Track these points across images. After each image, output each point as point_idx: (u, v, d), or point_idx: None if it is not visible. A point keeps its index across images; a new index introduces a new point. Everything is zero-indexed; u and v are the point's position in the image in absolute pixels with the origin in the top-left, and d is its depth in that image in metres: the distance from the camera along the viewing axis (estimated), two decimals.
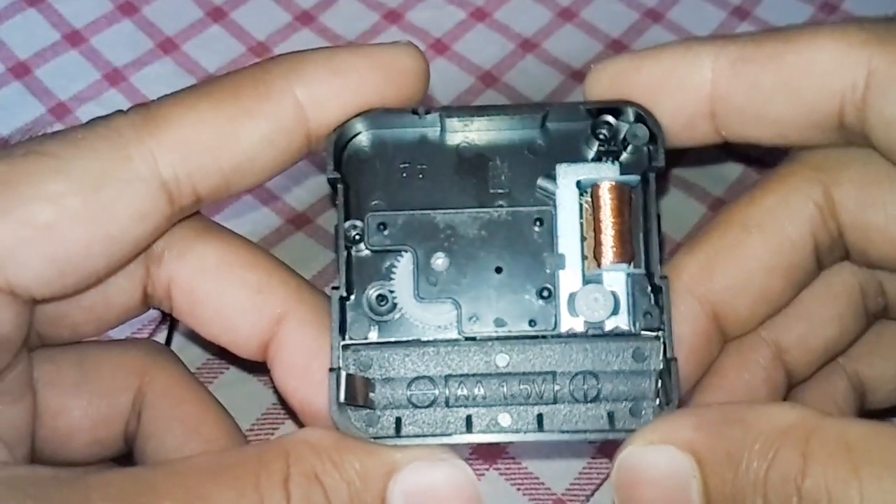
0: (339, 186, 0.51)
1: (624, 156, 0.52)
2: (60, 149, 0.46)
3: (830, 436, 0.41)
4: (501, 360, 0.51)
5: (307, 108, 0.49)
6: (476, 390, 0.50)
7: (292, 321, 0.53)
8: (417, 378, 0.51)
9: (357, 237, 0.51)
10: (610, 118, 0.51)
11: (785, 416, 0.43)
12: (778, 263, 0.53)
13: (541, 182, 0.52)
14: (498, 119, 0.52)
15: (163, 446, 0.55)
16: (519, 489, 0.65)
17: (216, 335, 0.54)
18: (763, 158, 0.77)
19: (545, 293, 0.51)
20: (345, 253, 0.51)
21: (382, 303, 0.51)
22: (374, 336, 0.51)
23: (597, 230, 0.51)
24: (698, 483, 0.43)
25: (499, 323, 0.51)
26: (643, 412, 0.50)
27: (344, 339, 0.50)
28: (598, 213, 0.51)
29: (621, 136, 0.51)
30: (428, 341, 0.51)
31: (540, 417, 0.50)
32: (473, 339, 0.51)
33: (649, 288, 0.51)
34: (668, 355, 0.49)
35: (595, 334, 0.51)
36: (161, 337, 0.69)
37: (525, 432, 0.50)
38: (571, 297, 0.51)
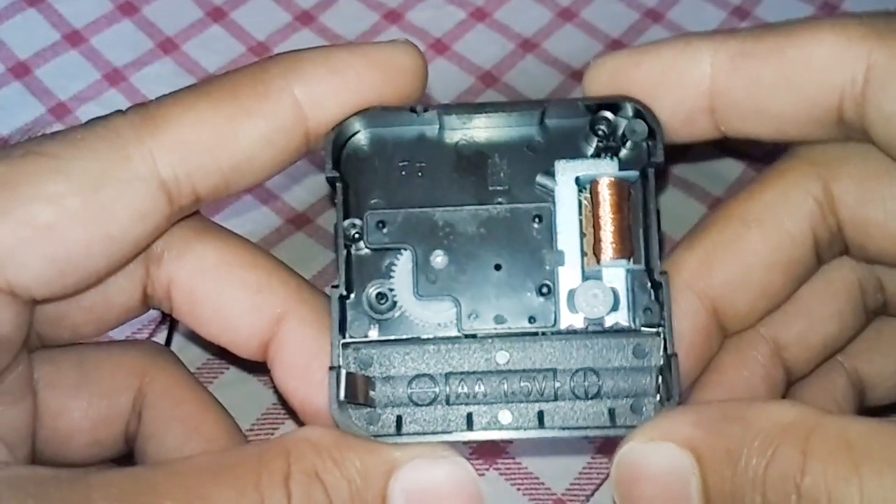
0: (338, 185, 0.51)
1: (623, 152, 0.52)
2: (60, 149, 0.46)
3: (830, 433, 0.41)
4: (501, 358, 0.51)
5: (306, 107, 0.49)
6: (476, 388, 0.50)
7: (292, 321, 0.53)
8: (418, 376, 0.51)
9: (356, 236, 0.51)
10: (608, 114, 0.51)
11: (785, 414, 0.43)
12: (777, 258, 0.53)
13: (540, 179, 0.52)
14: (496, 116, 0.52)
15: (163, 447, 0.55)
16: (519, 489, 0.65)
17: (216, 335, 0.54)
18: (763, 158, 0.77)
19: (544, 290, 0.51)
20: (344, 251, 0.51)
21: (382, 301, 0.51)
22: (374, 334, 0.51)
23: (596, 226, 0.51)
24: (697, 480, 0.43)
25: (498, 320, 0.51)
26: (644, 408, 0.50)
27: (344, 337, 0.50)
28: (597, 209, 0.51)
29: (620, 132, 0.51)
30: (428, 339, 0.51)
31: (541, 414, 0.50)
32: (473, 336, 0.51)
33: (649, 284, 0.51)
34: (669, 351, 0.49)
35: (595, 331, 0.51)
36: (161, 337, 0.69)
37: (526, 429, 0.50)
38: (571, 293, 0.51)
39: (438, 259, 0.51)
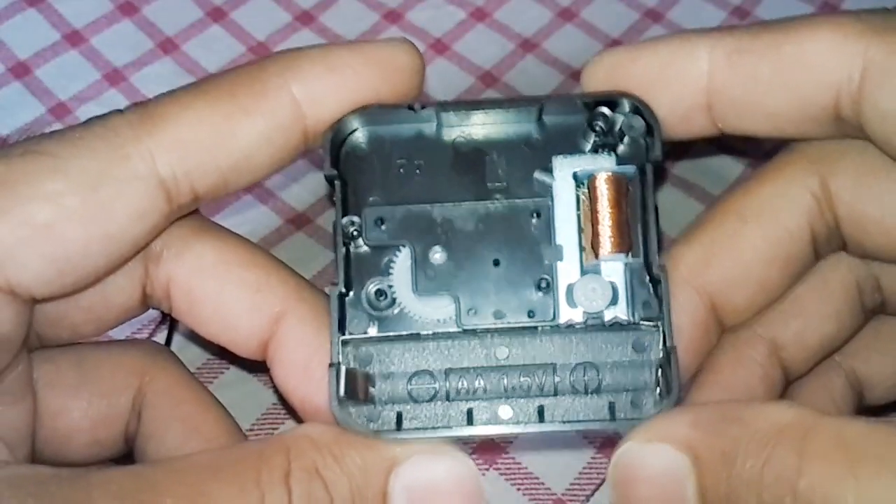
0: (337, 183, 0.51)
1: (621, 148, 0.52)
2: (58, 148, 0.47)
3: (826, 435, 0.41)
4: (501, 353, 0.51)
5: (303, 105, 0.49)
6: (476, 384, 0.50)
7: (291, 319, 0.53)
8: (417, 372, 0.51)
9: (355, 233, 0.51)
10: (606, 110, 0.51)
11: (781, 415, 0.43)
12: (775, 254, 0.53)
13: (537, 175, 0.52)
14: (494, 113, 0.52)
15: (163, 446, 0.55)
16: (519, 489, 0.65)
17: (215, 334, 0.54)
18: (763, 157, 0.77)
19: (543, 284, 0.51)
20: (343, 249, 0.51)
21: (381, 298, 0.51)
22: (373, 331, 0.51)
23: (594, 221, 0.51)
24: (693, 481, 0.43)
25: (498, 315, 0.51)
26: (644, 403, 0.50)
27: (343, 334, 0.50)
28: (595, 204, 0.51)
29: (617, 127, 0.51)
30: (427, 335, 0.51)
31: (541, 410, 0.50)
32: (473, 331, 0.51)
33: (648, 278, 0.51)
34: (668, 345, 0.49)
35: (594, 325, 0.51)
36: (161, 337, 0.69)
37: (526, 424, 0.50)
38: (570, 288, 0.51)
39: (437, 255, 0.51)
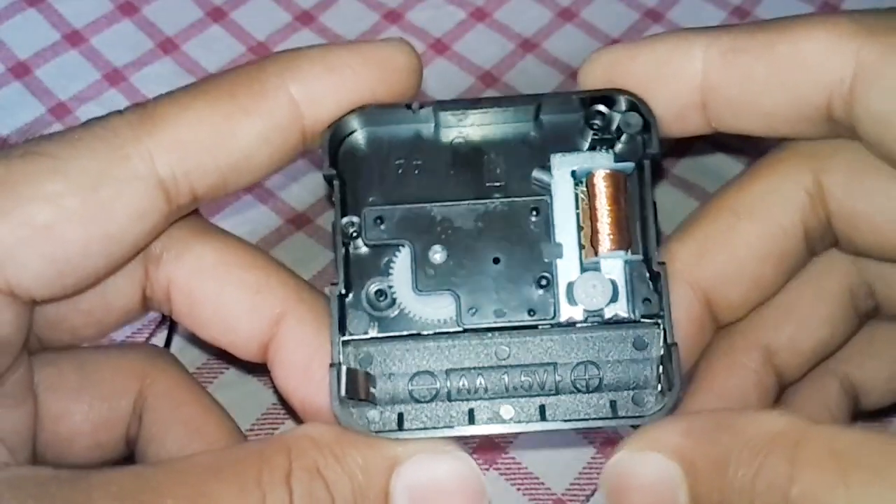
0: (336, 183, 0.51)
1: (618, 145, 0.52)
2: (58, 149, 0.46)
3: (819, 443, 0.41)
4: (502, 352, 0.51)
5: (302, 105, 0.49)
6: (477, 383, 0.50)
7: (291, 321, 0.53)
8: (418, 373, 0.51)
9: (354, 233, 0.51)
10: (603, 108, 0.51)
11: (774, 423, 0.42)
12: (769, 250, 0.53)
13: (536, 173, 0.52)
14: (491, 112, 0.52)
15: (164, 449, 0.55)
16: (519, 489, 0.65)
17: (215, 337, 0.54)
18: (762, 156, 0.77)
19: (543, 282, 0.51)
20: (342, 249, 0.51)
21: (381, 298, 0.51)
22: (374, 332, 0.51)
23: (593, 218, 0.51)
24: (686, 490, 0.43)
25: (498, 313, 0.51)
26: (646, 400, 0.50)
27: (344, 335, 0.50)
28: (593, 201, 0.51)
29: (615, 125, 0.51)
30: (428, 335, 0.51)
31: (542, 408, 0.50)
32: (474, 330, 0.51)
33: (647, 274, 0.51)
34: (669, 341, 0.49)
35: (595, 323, 0.51)
36: (160, 339, 0.69)
37: (528, 423, 0.50)
38: (570, 285, 0.51)
39: (437, 255, 0.51)
